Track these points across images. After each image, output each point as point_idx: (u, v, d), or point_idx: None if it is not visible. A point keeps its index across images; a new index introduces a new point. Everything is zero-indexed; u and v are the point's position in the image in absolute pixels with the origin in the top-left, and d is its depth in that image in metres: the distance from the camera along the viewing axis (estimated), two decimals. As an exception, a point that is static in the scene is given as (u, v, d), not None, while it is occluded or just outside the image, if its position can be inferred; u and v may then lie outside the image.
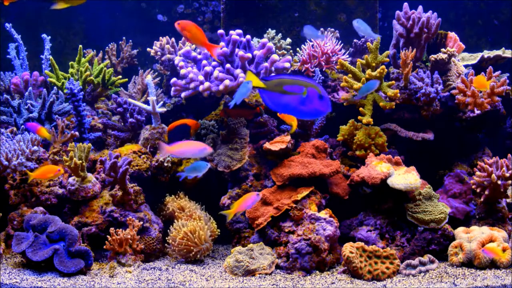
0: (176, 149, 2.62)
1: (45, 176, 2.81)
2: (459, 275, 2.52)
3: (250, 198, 2.55)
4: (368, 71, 3.15)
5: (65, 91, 3.55)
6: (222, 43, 3.16)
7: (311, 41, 3.57)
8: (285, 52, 3.89)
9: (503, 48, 3.56)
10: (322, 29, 3.90)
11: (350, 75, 3.24)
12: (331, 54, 3.51)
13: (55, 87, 3.63)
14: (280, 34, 3.94)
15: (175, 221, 2.98)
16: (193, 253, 2.81)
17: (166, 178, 3.23)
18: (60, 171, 2.79)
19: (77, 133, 3.26)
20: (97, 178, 3.04)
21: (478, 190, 2.92)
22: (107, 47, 4.31)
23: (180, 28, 2.68)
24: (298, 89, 2.01)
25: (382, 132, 3.19)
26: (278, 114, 3.07)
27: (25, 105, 3.42)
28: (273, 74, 3.03)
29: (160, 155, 2.99)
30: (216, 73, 3.02)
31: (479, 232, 2.72)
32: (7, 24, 3.94)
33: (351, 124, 3.23)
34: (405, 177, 2.83)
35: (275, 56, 3.07)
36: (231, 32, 3.12)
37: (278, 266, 2.73)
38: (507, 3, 4.51)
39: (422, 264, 2.64)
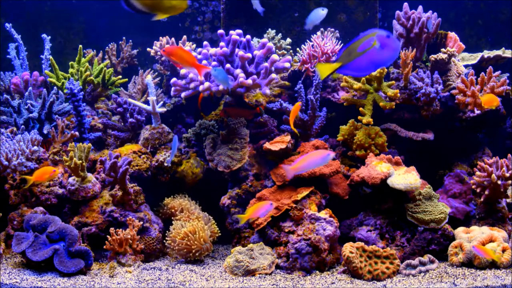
0: (301, 165, 2.53)
1: (42, 179, 2.81)
2: (459, 275, 2.52)
3: (264, 206, 2.57)
4: (368, 71, 3.15)
5: (65, 91, 3.55)
6: (222, 43, 3.16)
7: (310, 40, 3.57)
8: (285, 52, 3.89)
9: (503, 48, 3.56)
10: (322, 29, 3.89)
11: (350, 75, 3.25)
12: (331, 54, 3.50)
13: (55, 87, 3.63)
14: (280, 34, 3.94)
15: (175, 221, 2.98)
16: (193, 253, 2.81)
17: (166, 178, 3.23)
18: (55, 172, 2.79)
19: (77, 133, 3.26)
20: (97, 178, 3.04)
21: (478, 190, 2.92)
22: (107, 47, 4.31)
23: (166, 55, 2.68)
24: (368, 43, 1.98)
25: (382, 132, 3.19)
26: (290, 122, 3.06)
27: (25, 105, 3.42)
28: (273, 74, 3.03)
29: (288, 177, 2.88)
30: (216, 73, 3.02)
31: (479, 232, 2.72)
32: (7, 24, 3.94)
33: (351, 124, 3.23)
34: (405, 177, 2.83)
35: (275, 56, 3.07)
36: (231, 32, 3.12)
37: (278, 266, 2.73)
38: (507, 3, 4.51)
39: (422, 264, 2.64)
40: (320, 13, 3.09)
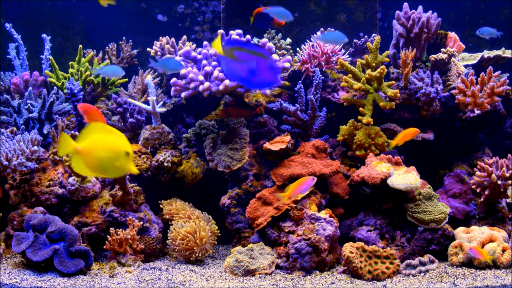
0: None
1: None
2: (459, 275, 2.52)
3: (306, 182, 2.59)
4: (368, 71, 3.15)
5: (65, 91, 3.55)
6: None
7: (310, 40, 3.57)
8: (285, 52, 3.89)
9: (503, 48, 3.56)
10: (322, 29, 3.89)
11: (350, 75, 3.24)
12: (331, 54, 3.50)
13: (55, 87, 3.63)
14: (280, 34, 3.94)
15: (175, 221, 2.98)
16: (193, 253, 2.82)
17: (166, 178, 3.23)
18: None
19: (77, 133, 3.26)
20: (97, 178, 3.03)
21: (478, 190, 2.92)
22: (107, 47, 4.31)
23: (82, 111, 2.73)
24: (248, 57, 1.98)
25: (382, 132, 3.19)
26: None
27: (25, 105, 3.42)
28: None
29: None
30: (216, 73, 3.02)
31: (479, 232, 2.72)
32: (7, 24, 3.94)
33: (351, 124, 3.23)
34: (405, 177, 2.83)
35: (275, 56, 3.07)
36: (231, 32, 3.12)
37: (278, 266, 2.73)
38: (507, 3, 4.51)
39: (422, 264, 2.64)
40: (342, 39, 3.13)
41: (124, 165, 1.89)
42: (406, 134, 2.98)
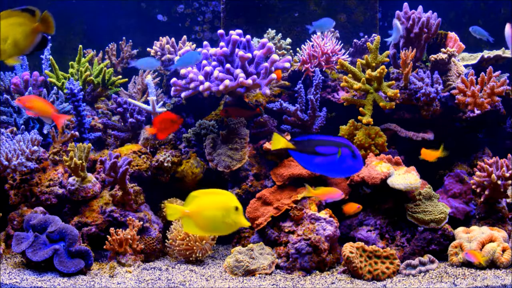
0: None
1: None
2: (459, 275, 2.52)
3: (335, 194, 2.64)
4: (368, 71, 3.15)
5: (65, 91, 3.55)
6: (222, 43, 3.16)
7: (310, 40, 3.57)
8: (285, 52, 3.89)
9: (503, 48, 3.56)
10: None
11: (350, 75, 3.24)
12: (331, 54, 3.50)
13: (55, 87, 3.63)
14: (280, 34, 3.94)
15: (175, 221, 2.98)
16: (193, 253, 2.82)
17: (166, 178, 3.23)
18: None
19: (77, 133, 3.26)
20: (97, 178, 3.04)
21: (478, 190, 2.92)
22: (107, 47, 4.31)
23: (21, 104, 2.71)
24: (331, 150, 2.01)
25: (382, 132, 3.19)
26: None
27: (25, 105, 3.42)
28: (273, 74, 3.03)
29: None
30: (216, 73, 3.02)
31: (479, 232, 2.72)
32: (7, 24, 3.93)
33: (351, 124, 3.23)
34: (405, 177, 2.83)
35: (275, 56, 3.07)
36: (231, 32, 3.12)
37: (278, 266, 2.73)
38: (507, 3, 4.51)
39: (422, 264, 2.64)
40: (330, 23, 3.16)
41: (235, 220, 1.92)
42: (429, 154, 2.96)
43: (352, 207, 2.82)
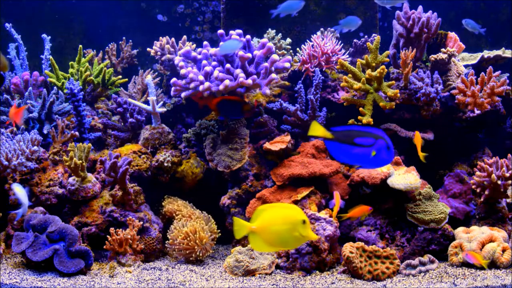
0: None
1: None
2: (459, 275, 2.52)
3: (364, 210, 2.70)
4: (368, 71, 3.15)
5: (65, 91, 3.55)
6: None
7: (310, 40, 3.57)
8: (285, 52, 3.89)
9: (503, 48, 3.56)
10: (322, 29, 3.90)
11: (350, 75, 3.24)
12: (331, 54, 3.50)
13: (55, 87, 3.63)
14: (280, 34, 3.94)
15: (175, 221, 2.98)
16: (194, 253, 2.82)
17: (166, 178, 3.23)
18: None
19: (77, 133, 3.26)
20: (97, 178, 3.04)
21: (478, 190, 2.92)
22: (107, 47, 4.32)
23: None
24: (368, 141, 2.00)
25: (382, 132, 3.18)
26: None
27: (25, 105, 3.42)
28: (273, 74, 3.03)
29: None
30: (216, 73, 3.02)
31: (479, 232, 2.72)
32: (7, 24, 3.94)
33: (351, 124, 3.23)
34: (405, 177, 2.83)
35: (275, 56, 3.07)
36: (231, 32, 3.12)
37: (278, 266, 2.73)
38: (507, 3, 4.51)
39: (422, 264, 2.64)
40: (356, 21, 3.18)
41: (303, 234, 1.90)
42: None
43: (362, 210, 2.75)
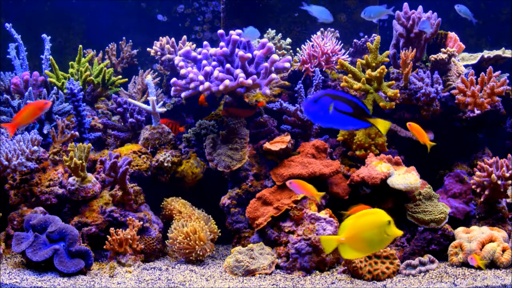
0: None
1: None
2: (459, 275, 2.52)
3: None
4: (368, 71, 3.15)
5: (65, 91, 3.55)
6: (222, 43, 3.16)
7: (310, 40, 3.57)
8: (285, 52, 3.89)
9: (503, 48, 3.56)
10: (322, 29, 3.90)
11: (350, 75, 3.24)
12: (331, 54, 3.50)
13: (55, 87, 3.63)
14: (280, 34, 3.94)
15: (175, 221, 2.98)
16: (194, 253, 2.82)
17: (166, 178, 3.23)
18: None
19: (77, 133, 3.27)
20: (97, 178, 3.04)
21: (478, 190, 2.92)
22: (107, 47, 4.32)
23: None
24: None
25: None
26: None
27: (25, 105, 3.42)
28: (273, 74, 3.02)
29: None
30: (216, 73, 3.02)
31: (479, 232, 2.72)
32: (7, 24, 3.94)
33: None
34: (405, 177, 2.83)
35: (275, 56, 3.07)
36: (231, 32, 3.12)
37: (278, 266, 2.73)
38: (507, 3, 4.51)
39: (422, 264, 2.64)
40: (381, 10, 3.18)
41: (389, 233, 1.95)
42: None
43: (362, 210, 2.68)
